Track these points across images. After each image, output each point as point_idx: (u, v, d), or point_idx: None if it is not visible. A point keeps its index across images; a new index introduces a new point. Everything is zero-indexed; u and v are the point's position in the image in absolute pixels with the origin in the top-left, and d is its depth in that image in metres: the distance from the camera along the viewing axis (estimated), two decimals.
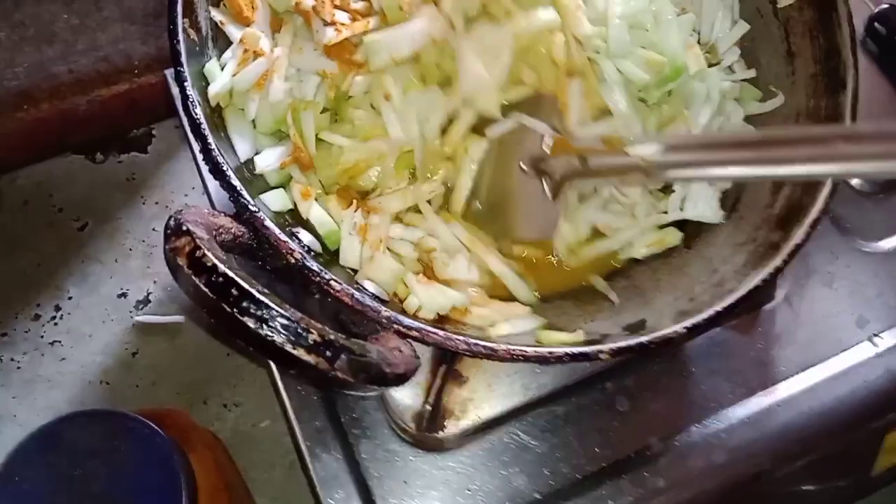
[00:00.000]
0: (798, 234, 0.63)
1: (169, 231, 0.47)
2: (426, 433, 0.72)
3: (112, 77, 1.16)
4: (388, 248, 0.62)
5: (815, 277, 0.82)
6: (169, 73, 0.94)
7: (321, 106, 0.63)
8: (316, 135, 0.62)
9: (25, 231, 1.08)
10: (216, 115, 0.62)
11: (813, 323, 0.80)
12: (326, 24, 0.62)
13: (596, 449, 0.73)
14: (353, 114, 0.62)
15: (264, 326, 0.44)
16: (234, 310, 0.44)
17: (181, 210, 0.50)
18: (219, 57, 0.64)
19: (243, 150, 0.61)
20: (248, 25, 0.64)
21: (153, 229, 1.09)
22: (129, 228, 1.09)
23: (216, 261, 0.44)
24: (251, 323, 0.44)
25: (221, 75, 0.60)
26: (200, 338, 1.03)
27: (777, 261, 0.62)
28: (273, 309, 0.44)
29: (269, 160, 0.60)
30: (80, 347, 1.02)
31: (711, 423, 0.75)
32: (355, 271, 0.61)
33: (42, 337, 1.02)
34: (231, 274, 0.44)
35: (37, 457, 0.72)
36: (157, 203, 1.11)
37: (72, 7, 1.06)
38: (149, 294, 1.05)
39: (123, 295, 1.05)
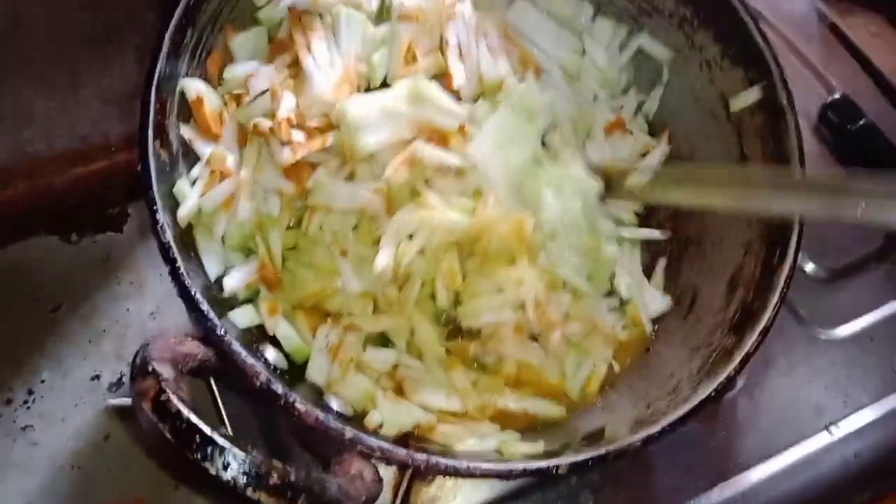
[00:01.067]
0: (750, 341, 0.65)
1: (135, 371, 0.48)
2: None
3: (90, 155, 1.17)
4: (357, 367, 0.63)
5: (774, 366, 0.85)
6: None
7: (286, 223, 0.65)
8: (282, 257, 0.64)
9: (0, 311, 1.07)
10: (186, 233, 0.63)
11: (772, 411, 0.82)
12: (283, 143, 0.64)
13: None
14: (312, 251, 0.64)
15: (226, 472, 0.45)
16: (197, 456, 0.45)
17: (147, 344, 0.51)
18: (188, 172, 0.66)
19: (213, 269, 0.63)
20: (216, 141, 0.67)
21: (127, 310, 1.09)
22: (103, 309, 1.09)
23: (180, 405, 0.46)
24: (213, 469, 0.45)
25: (189, 196, 0.62)
26: None
27: (729, 369, 0.64)
28: (235, 454, 0.45)
29: (236, 282, 0.62)
30: (53, 432, 1.02)
31: None
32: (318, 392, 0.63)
33: (14, 422, 1.02)
34: (194, 420, 0.45)
35: None
36: (131, 283, 1.11)
37: (52, 90, 1.08)
38: (122, 377, 1.05)
39: (97, 377, 1.05)
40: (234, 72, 0.70)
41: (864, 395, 0.84)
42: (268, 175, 0.65)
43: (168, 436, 0.45)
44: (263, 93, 0.67)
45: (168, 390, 0.46)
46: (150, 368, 0.48)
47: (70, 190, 1.16)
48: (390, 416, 0.61)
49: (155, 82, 0.61)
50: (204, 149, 0.66)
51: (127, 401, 1.02)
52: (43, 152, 1.13)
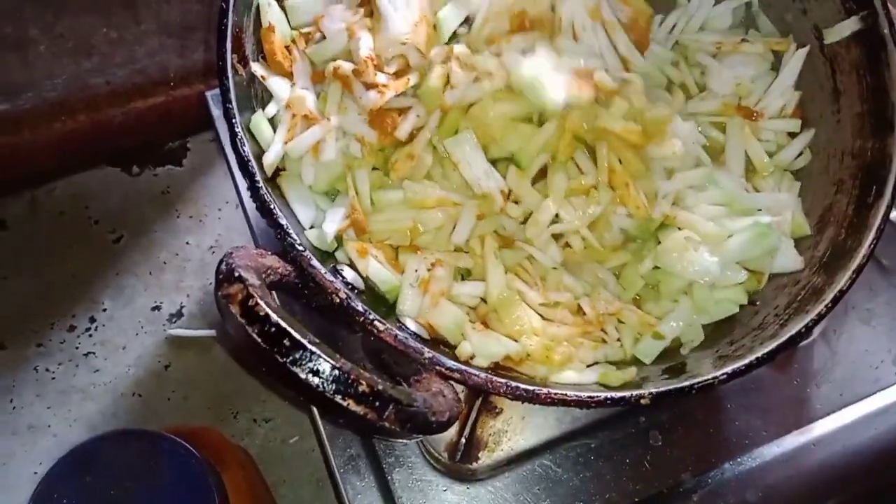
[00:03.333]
0: (842, 280, 0.62)
1: (221, 276, 0.47)
2: (459, 463, 0.72)
3: (148, 89, 1.17)
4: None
5: (853, 314, 0.82)
6: (210, 94, 0.94)
7: (371, 164, 0.64)
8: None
9: (61, 242, 1.09)
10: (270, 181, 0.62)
11: (849, 361, 0.80)
12: (368, 86, 0.62)
13: (629, 483, 0.73)
14: (404, 184, 0.62)
15: (315, 377, 0.44)
16: (286, 360, 0.44)
17: (231, 252, 0.50)
18: (259, 104, 0.65)
19: (305, 216, 0.62)
20: (286, 76, 0.64)
21: (187, 243, 1.10)
22: (163, 242, 1.10)
23: (269, 310, 0.45)
24: (302, 373, 0.44)
25: (274, 143, 0.61)
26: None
27: (819, 307, 0.61)
28: (323, 359, 0.44)
29: (331, 229, 0.60)
30: (114, 359, 1.04)
31: (745, 461, 0.75)
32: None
33: (77, 348, 1.04)
34: (283, 324, 0.44)
35: (74, 475, 0.73)
36: (191, 217, 1.12)
37: (111, 20, 1.07)
38: (181, 308, 1.06)
39: (157, 308, 1.06)
40: (302, 7, 0.67)
41: None
42: (351, 120, 0.63)
43: (257, 339, 0.44)
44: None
45: (255, 294, 0.45)
46: (236, 274, 0.47)
47: (129, 124, 1.16)
48: (480, 346, 0.59)
49: None
50: (279, 87, 0.64)
51: (187, 331, 1.04)
52: (102, 85, 1.13)
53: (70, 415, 1.00)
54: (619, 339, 0.63)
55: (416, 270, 0.61)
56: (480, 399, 0.72)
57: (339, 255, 0.63)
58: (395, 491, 0.72)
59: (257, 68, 0.64)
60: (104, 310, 1.06)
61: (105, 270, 1.08)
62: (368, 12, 0.66)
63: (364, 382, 0.45)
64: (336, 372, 0.44)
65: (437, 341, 0.61)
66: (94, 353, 1.03)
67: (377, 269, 0.61)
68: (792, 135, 0.75)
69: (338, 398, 0.44)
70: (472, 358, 0.59)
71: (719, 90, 0.72)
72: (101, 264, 1.08)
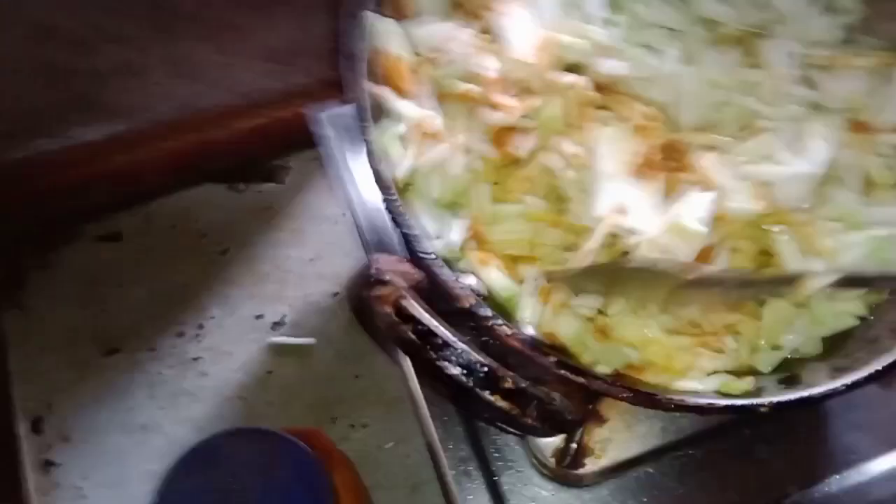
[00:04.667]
0: None
1: (373, 279, 0.51)
2: (566, 469, 0.75)
3: (251, 111, 1.23)
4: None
5: None
6: (323, 114, 0.99)
7: (491, 179, 0.67)
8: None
9: (172, 254, 1.15)
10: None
11: None
12: (494, 106, 0.65)
13: (734, 494, 0.74)
14: (523, 198, 0.66)
15: (464, 373, 0.47)
16: (438, 355, 0.47)
17: (377, 258, 0.54)
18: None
19: (431, 228, 0.66)
20: (408, 98, 0.68)
21: (288, 256, 1.15)
22: (265, 255, 1.15)
23: (421, 310, 0.48)
24: (452, 369, 0.47)
25: (405, 160, 0.65)
26: (330, 360, 1.08)
27: None
28: (473, 356, 0.48)
29: (457, 237, 0.64)
30: (220, 364, 1.09)
31: (852, 476, 0.75)
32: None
33: (186, 353, 1.09)
34: (435, 323, 0.48)
35: (198, 469, 0.78)
36: (292, 231, 1.17)
37: (221, 47, 1.14)
38: (283, 317, 1.11)
39: (260, 317, 1.11)
40: (427, 31, 0.71)
41: None
42: (474, 138, 0.66)
43: (411, 336, 0.48)
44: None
45: (407, 295, 0.49)
46: (386, 277, 0.51)
47: (232, 144, 1.23)
48: (602, 355, 0.62)
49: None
50: (406, 108, 0.68)
51: (288, 339, 1.09)
52: (209, 108, 1.20)
53: (179, 415, 1.05)
54: (736, 349, 0.65)
55: (536, 280, 0.64)
56: (589, 408, 0.74)
57: (460, 264, 0.67)
58: (504, 494, 0.74)
59: (385, 91, 0.68)
60: (211, 318, 1.11)
61: (212, 281, 1.14)
62: (489, 39, 0.70)
63: (510, 380, 0.48)
64: (484, 368, 0.47)
65: (557, 350, 0.64)
66: (202, 358, 1.09)
67: (498, 277, 0.64)
68: None
69: (486, 394, 0.47)
70: (594, 364, 0.61)
71: (832, 106, 0.73)
72: (209, 275, 1.14)
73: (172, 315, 1.11)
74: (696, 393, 0.60)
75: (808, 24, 0.77)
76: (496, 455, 0.75)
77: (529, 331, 0.64)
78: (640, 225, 0.61)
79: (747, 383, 0.62)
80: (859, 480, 0.75)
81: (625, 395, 0.58)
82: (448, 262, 0.66)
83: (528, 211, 0.66)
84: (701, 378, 0.62)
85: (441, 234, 0.66)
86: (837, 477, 0.75)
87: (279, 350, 1.09)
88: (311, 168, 1.21)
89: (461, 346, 0.47)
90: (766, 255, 0.67)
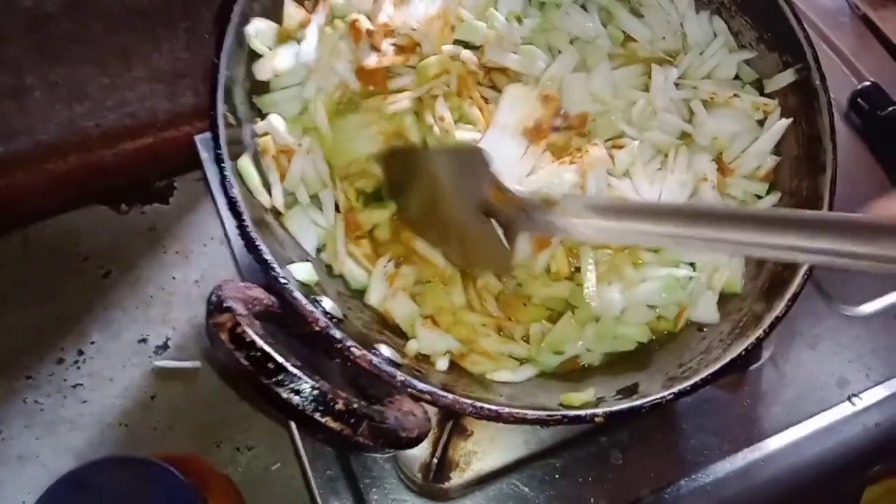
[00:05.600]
0: (778, 307, 0.69)
1: (212, 307, 0.52)
2: (432, 483, 0.77)
3: (138, 131, 1.22)
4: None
5: (800, 339, 0.88)
6: (198, 138, 1.00)
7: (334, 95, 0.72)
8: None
9: (52, 278, 1.12)
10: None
11: (796, 383, 0.85)
12: (373, 48, 0.70)
13: (591, 500, 0.78)
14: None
15: (296, 396, 0.49)
16: (270, 381, 0.49)
17: (221, 285, 0.55)
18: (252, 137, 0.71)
19: (309, 244, 0.70)
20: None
21: (173, 278, 1.14)
22: (150, 277, 1.14)
23: (255, 336, 0.50)
24: (285, 393, 0.49)
25: (274, 186, 0.69)
26: (215, 383, 1.07)
27: (758, 331, 0.67)
28: (304, 381, 0.49)
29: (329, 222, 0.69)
30: (101, 390, 1.07)
31: (700, 477, 0.80)
32: (367, 338, 0.67)
33: (65, 380, 1.07)
34: (268, 349, 0.49)
35: (68, 499, 0.76)
36: (177, 252, 1.16)
37: (104, 69, 1.12)
38: (167, 340, 1.10)
39: (143, 340, 1.10)
40: None
41: (886, 368, 0.87)
42: (341, 66, 0.71)
43: (245, 363, 0.49)
44: None
45: (242, 323, 0.50)
46: (225, 304, 0.52)
47: (118, 164, 1.21)
48: (426, 342, 0.67)
49: (225, 47, 0.65)
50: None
51: (172, 363, 1.07)
52: (93, 128, 1.18)
53: (58, 444, 1.02)
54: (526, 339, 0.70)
55: (385, 266, 0.68)
56: (452, 422, 0.77)
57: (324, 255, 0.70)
58: None
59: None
60: (92, 342, 1.09)
61: (94, 305, 1.12)
62: None
63: (340, 401, 0.50)
64: (315, 391, 0.49)
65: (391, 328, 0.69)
66: (82, 385, 1.06)
67: (351, 268, 0.68)
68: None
69: (317, 415, 0.49)
70: (418, 356, 0.65)
71: (700, 141, 0.79)
72: (90, 299, 1.12)
73: (51, 341, 1.08)
74: (511, 385, 0.65)
75: (707, 56, 0.82)
76: (364, 473, 0.77)
77: (384, 350, 0.66)
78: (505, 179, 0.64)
79: (587, 395, 0.66)
80: (707, 481, 0.80)
81: (469, 409, 0.60)
82: (306, 286, 0.68)
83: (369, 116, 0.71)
84: (514, 368, 0.66)
85: (319, 244, 0.69)
86: (687, 479, 0.79)
87: (163, 374, 1.07)
88: (196, 188, 1.20)
89: (294, 370, 0.49)
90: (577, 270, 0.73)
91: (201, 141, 0.96)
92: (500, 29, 0.73)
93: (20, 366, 1.06)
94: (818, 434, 0.83)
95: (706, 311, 0.75)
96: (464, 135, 0.70)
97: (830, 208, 0.72)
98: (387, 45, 0.71)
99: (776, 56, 0.79)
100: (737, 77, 0.84)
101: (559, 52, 0.77)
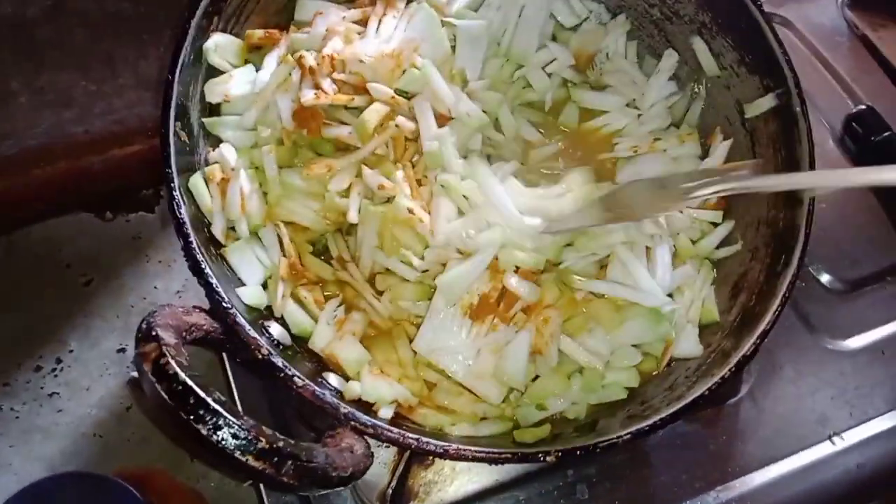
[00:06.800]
0: (747, 345, 0.66)
1: (140, 335, 0.51)
2: None
3: (126, 138, 1.21)
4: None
5: (781, 373, 0.84)
6: None
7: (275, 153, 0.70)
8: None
9: (34, 284, 1.12)
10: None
11: (776, 419, 0.82)
12: (314, 87, 0.68)
13: None
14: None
15: (216, 434, 0.47)
16: (190, 417, 0.47)
17: (155, 311, 0.54)
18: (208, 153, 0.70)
19: (252, 276, 0.68)
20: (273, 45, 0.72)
21: (155, 287, 1.13)
22: (132, 286, 1.13)
23: (178, 369, 0.48)
24: (204, 430, 0.47)
25: (216, 214, 0.67)
26: None
27: (724, 370, 0.64)
28: (226, 418, 0.48)
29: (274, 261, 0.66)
30: (77, 400, 1.06)
31: None
32: (319, 364, 0.65)
33: (42, 388, 1.06)
34: (190, 383, 0.48)
35: None
36: (160, 262, 1.15)
37: (89, 75, 1.12)
38: None
39: (122, 350, 1.09)
40: (306, 6, 0.75)
41: (870, 407, 0.83)
42: (284, 101, 0.69)
43: (164, 396, 0.47)
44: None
45: (168, 354, 0.49)
46: (153, 333, 0.50)
47: (106, 171, 1.21)
48: (370, 389, 0.64)
49: (180, 64, 0.64)
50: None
51: None
52: (81, 134, 1.18)
53: (31, 454, 1.02)
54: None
55: (335, 311, 0.66)
56: (410, 450, 0.75)
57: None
58: None
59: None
60: (70, 351, 1.08)
61: (74, 313, 1.11)
62: (358, 30, 0.73)
63: (264, 439, 0.48)
64: (236, 429, 0.47)
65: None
66: (58, 394, 1.06)
67: (292, 310, 0.65)
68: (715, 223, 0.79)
69: (237, 454, 0.47)
70: (360, 400, 0.63)
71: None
72: (71, 307, 1.11)
73: (30, 349, 1.08)
74: (471, 438, 0.62)
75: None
76: (321, 498, 0.75)
77: (332, 379, 0.64)
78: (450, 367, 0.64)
79: (542, 431, 0.63)
80: None
81: (414, 445, 0.58)
82: (255, 311, 0.66)
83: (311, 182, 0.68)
84: (474, 422, 0.64)
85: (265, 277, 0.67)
86: None
87: (140, 385, 1.06)
88: None
89: (216, 406, 0.47)
90: None
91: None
92: (437, 84, 0.72)
93: None
94: (796, 474, 0.79)
95: (688, 344, 0.72)
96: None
97: (806, 239, 0.69)
98: (329, 83, 0.69)
99: (757, 80, 0.76)
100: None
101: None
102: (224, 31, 0.71)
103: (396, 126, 0.69)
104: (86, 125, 1.17)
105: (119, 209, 1.20)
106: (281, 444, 0.49)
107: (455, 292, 0.65)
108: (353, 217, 0.67)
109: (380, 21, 0.73)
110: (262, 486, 0.76)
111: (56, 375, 1.07)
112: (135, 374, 1.06)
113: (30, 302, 1.10)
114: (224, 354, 0.76)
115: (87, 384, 1.07)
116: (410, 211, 0.65)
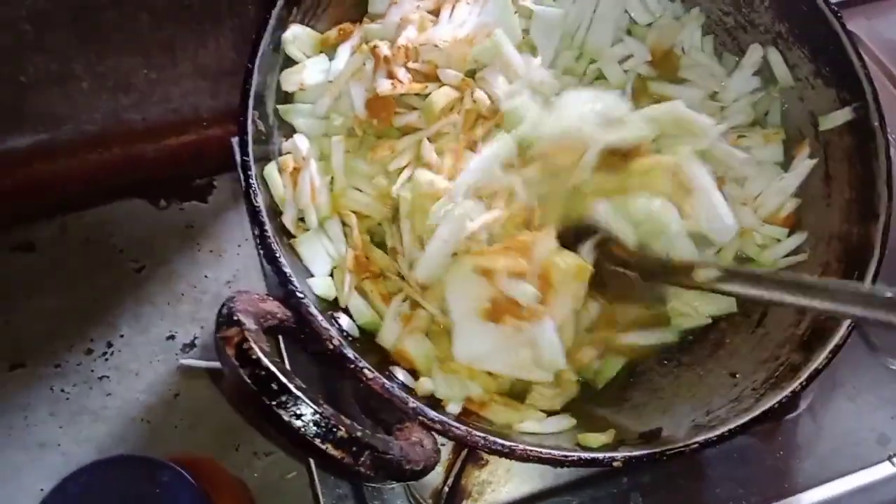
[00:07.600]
0: (818, 359, 0.65)
1: (221, 319, 0.51)
2: None
3: (181, 127, 1.23)
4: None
5: (840, 391, 0.83)
6: (234, 140, 1.00)
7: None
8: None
9: (86, 268, 1.14)
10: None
11: (834, 437, 0.81)
12: (389, 74, 0.68)
13: None
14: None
15: (298, 420, 0.47)
16: (273, 402, 0.47)
17: (234, 297, 0.54)
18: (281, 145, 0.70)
19: (319, 269, 0.67)
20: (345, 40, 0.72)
21: (205, 276, 1.14)
22: (182, 274, 1.14)
23: (261, 354, 0.48)
24: (286, 416, 0.47)
25: (288, 204, 0.67)
26: None
27: (794, 384, 0.63)
28: (307, 404, 0.48)
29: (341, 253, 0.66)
30: (127, 384, 1.07)
31: None
32: (387, 358, 0.65)
33: (92, 371, 1.08)
34: (273, 368, 0.48)
35: (77, 495, 0.77)
36: (211, 251, 1.16)
37: (150, 62, 1.13)
38: (195, 339, 1.10)
39: (172, 337, 1.10)
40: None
41: None
42: (356, 91, 0.69)
43: (247, 380, 0.48)
44: None
45: (250, 339, 0.49)
46: (235, 318, 0.51)
47: (160, 159, 1.22)
48: (442, 386, 0.63)
49: (260, 53, 0.64)
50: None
51: (198, 362, 1.07)
52: (138, 121, 1.20)
53: (80, 435, 1.03)
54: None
55: (399, 306, 0.65)
56: (467, 449, 0.75)
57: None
58: None
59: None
60: (121, 336, 1.10)
61: (125, 298, 1.12)
62: (432, 18, 0.73)
63: (343, 428, 0.48)
64: (317, 417, 0.47)
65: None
66: (108, 377, 1.07)
67: (357, 303, 0.65)
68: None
69: (317, 441, 0.47)
70: (431, 395, 0.62)
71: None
72: (122, 292, 1.13)
73: (82, 331, 1.10)
74: (538, 435, 0.62)
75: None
76: (375, 494, 0.75)
77: (399, 373, 0.64)
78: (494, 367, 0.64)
79: (607, 436, 0.63)
80: None
81: (480, 443, 0.58)
82: (325, 302, 0.66)
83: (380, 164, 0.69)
84: (541, 419, 0.63)
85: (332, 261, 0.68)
86: None
87: (188, 372, 1.07)
88: (235, 188, 1.21)
89: (298, 392, 0.47)
90: None
91: (237, 143, 0.95)
92: (517, 64, 0.71)
93: (49, 353, 1.07)
94: (854, 494, 0.78)
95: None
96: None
97: (881, 258, 0.68)
98: (403, 73, 0.69)
99: (833, 92, 0.75)
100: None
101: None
102: (302, 22, 0.71)
103: (474, 101, 0.69)
104: (143, 112, 1.19)
105: (172, 197, 1.21)
106: (359, 433, 0.49)
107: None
108: (394, 190, 0.67)
109: (453, 8, 0.73)
110: (315, 478, 0.76)
111: (107, 359, 1.08)
112: (185, 361, 1.08)
113: (81, 284, 1.12)
114: (281, 344, 0.76)
115: (137, 369, 1.08)
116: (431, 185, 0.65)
